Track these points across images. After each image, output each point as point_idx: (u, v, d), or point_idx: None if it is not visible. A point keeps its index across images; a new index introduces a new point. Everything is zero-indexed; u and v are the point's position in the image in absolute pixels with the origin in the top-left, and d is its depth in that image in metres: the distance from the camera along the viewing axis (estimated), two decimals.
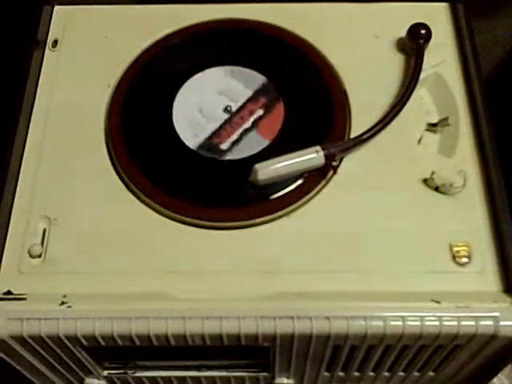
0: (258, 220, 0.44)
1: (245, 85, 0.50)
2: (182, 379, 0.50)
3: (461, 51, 0.52)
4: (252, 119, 0.48)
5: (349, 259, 0.43)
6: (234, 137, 0.48)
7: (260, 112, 0.49)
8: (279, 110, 0.48)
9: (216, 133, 0.48)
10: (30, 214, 0.45)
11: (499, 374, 0.50)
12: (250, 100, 0.49)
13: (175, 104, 0.49)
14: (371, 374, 0.48)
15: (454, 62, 0.51)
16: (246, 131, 0.48)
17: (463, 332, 0.41)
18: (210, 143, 0.48)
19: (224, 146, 0.47)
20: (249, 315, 0.41)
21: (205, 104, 0.50)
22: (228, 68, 0.51)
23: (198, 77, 0.51)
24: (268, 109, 0.49)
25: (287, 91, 0.50)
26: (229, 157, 0.47)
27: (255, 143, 0.47)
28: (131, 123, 0.49)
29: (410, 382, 0.50)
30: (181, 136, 0.48)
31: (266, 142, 0.47)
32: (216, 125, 0.49)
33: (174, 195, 0.45)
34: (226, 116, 0.49)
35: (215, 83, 0.50)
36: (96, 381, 0.49)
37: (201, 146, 0.47)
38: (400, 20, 0.52)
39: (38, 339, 0.41)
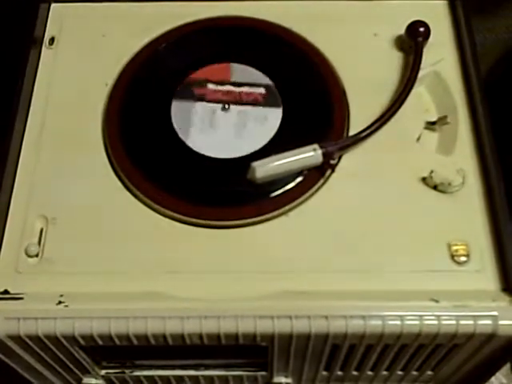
0: (255, 219, 0.44)
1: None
2: (180, 378, 0.50)
3: (460, 49, 0.51)
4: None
5: (347, 258, 0.43)
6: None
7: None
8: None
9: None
10: (27, 213, 0.45)
11: (497, 373, 0.50)
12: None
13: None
14: (369, 373, 0.48)
15: (452, 60, 0.51)
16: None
17: (462, 331, 0.40)
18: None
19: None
20: (247, 314, 0.40)
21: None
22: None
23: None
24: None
25: (285, 89, 0.49)
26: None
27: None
28: (129, 122, 0.49)
29: (409, 381, 0.50)
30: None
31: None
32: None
33: (171, 194, 0.45)
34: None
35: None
36: (94, 380, 0.49)
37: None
38: (399, 18, 0.52)
39: (35, 339, 0.41)
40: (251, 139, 0.47)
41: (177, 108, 0.49)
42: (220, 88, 0.50)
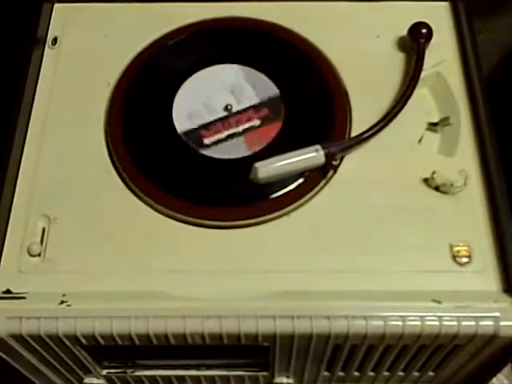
0: (257, 219, 0.44)
1: (256, 91, 0.50)
2: (181, 378, 0.50)
3: (462, 50, 0.51)
4: (245, 126, 0.48)
5: (349, 259, 0.43)
6: (221, 136, 0.48)
7: (257, 122, 0.48)
8: (274, 128, 0.48)
9: (206, 126, 0.48)
10: (29, 213, 0.45)
11: (498, 375, 0.50)
12: (253, 107, 0.49)
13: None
14: (371, 373, 0.48)
15: (454, 61, 0.51)
16: (234, 135, 0.48)
17: (463, 332, 0.40)
18: (196, 133, 0.48)
19: (207, 141, 0.47)
20: (248, 314, 0.40)
21: (207, 98, 0.49)
22: (242, 68, 0.51)
23: (204, 72, 0.51)
24: (265, 122, 0.48)
25: (288, 90, 0.50)
26: (206, 153, 0.47)
27: (237, 149, 0.47)
28: (131, 122, 0.49)
29: (410, 381, 0.50)
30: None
31: (247, 152, 0.47)
32: (210, 118, 0.48)
33: (173, 193, 0.45)
34: (224, 113, 0.49)
35: (224, 80, 0.50)
36: (95, 380, 0.49)
37: (186, 132, 0.48)
38: (401, 19, 0.52)
39: (38, 338, 0.41)
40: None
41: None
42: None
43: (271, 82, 0.50)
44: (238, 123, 0.48)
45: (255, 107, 0.49)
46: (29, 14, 0.53)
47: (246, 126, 0.48)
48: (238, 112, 0.49)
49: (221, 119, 0.49)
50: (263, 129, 0.48)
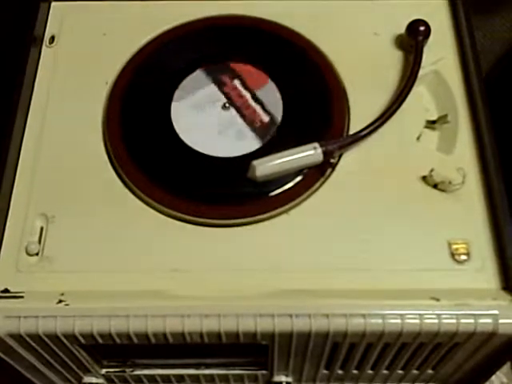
0: (256, 217, 0.44)
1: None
2: (180, 377, 0.50)
3: (460, 48, 0.51)
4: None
5: (347, 257, 0.43)
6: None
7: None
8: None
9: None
10: (27, 212, 0.45)
11: (497, 372, 0.50)
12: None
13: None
14: (370, 372, 0.48)
15: (453, 59, 0.51)
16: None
17: (462, 330, 0.40)
18: None
19: None
20: (247, 313, 0.40)
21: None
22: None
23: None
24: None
25: (286, 88, 0.49)
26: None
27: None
28: (130, 121, 0.49)
29: (409, 379, 0.50)
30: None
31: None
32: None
33: (171, 193, 0.45)
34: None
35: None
36: (94, 379, 0.49)
37: None
38: (399, 17, 0.52)
39: (36, 337, 0.41)
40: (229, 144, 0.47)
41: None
42: (239, 89, 0.49)
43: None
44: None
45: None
46: (26, 13, 0.53)
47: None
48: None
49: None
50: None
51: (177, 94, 0.50)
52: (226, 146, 0.47)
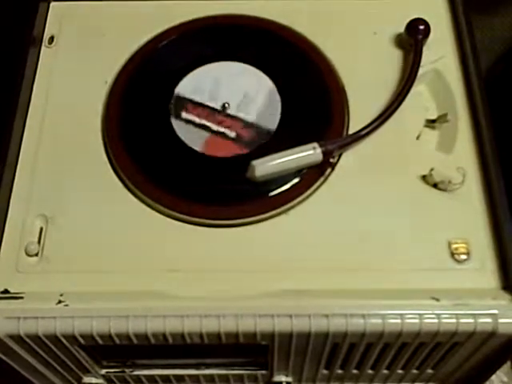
0: (255, 217, 0.44)
1: (261, 111, 0.49)
2: (180, 377, 0.50)
3: (460, 47, 0.51)
4: (221, 129, 0.48)
5: (347, 257, 0.43)
6: (196, 120, 0.48)
7: (232, 134, 0.47)
8: (236, 150, 0.47)
9: (195, 103, 0.48)
10: (26, 213, 0.45)
11: (498, 372, 0.50)
12: (243, 122, 0.48)
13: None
14: (370, 371, 0.48)
15: (452, 57, 0.51)
16: (206, 128, 0.48)
17: (462, 329, 0.40)
18: (183, 102, 0.49)
19: (184, 115, 0.48)
20: (247, 313, 0.40)
21: (218, 85, 0.50)
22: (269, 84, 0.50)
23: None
24: (237, 141, 0.47)
25: (285, 87, 0.49)
26: (197, 148, 0.47)
27: (193, 140, 0.47)
28: (129, 120, 0.49)
29: (409, 379, 0.50)
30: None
31: (198, 148, 0.47)
32: (205, 101, 0.49)
33: (171, 192, 0.45)
34: (218, 107, 0.49)
35: (247, 82, 0.50)
36: (94, 379, 0.49)
37: (179, 97, 0.49)
38: (398, 16, 0.51)
39: (35, 338, 0.41)
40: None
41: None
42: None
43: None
44: (219, 122, 0.48)
45: (245, 124, 0.48)
46: (25, 13, 0.53)
47: (221, 129, 0.48)
48: (229, 115, 0.49)
49: (211, 109, 0.49)
50: (229, 144, 0.47)
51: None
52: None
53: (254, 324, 0.40)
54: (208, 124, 0.48)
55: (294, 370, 0.48)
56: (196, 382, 0.51)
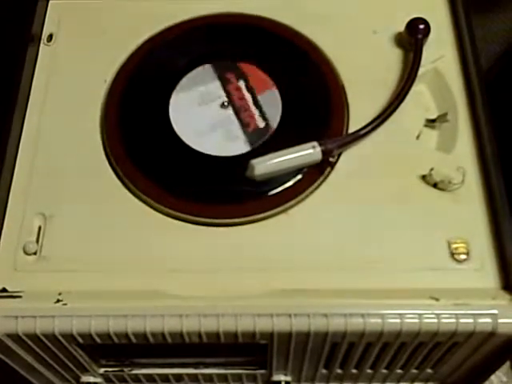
0: (255, 217, 0.44)
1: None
2: (178, 376, 0.50)
3: (460, 46, 0.51)
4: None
5: (346, 256, 0.43)
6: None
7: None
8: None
9: None
10: (25, 211, 0.45)
11: (497, 372, 0.50)
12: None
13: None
14: (369, 371, 0.48)
15: (452, 57, 0.51)
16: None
17: (461, 329, 0.40)
18: None
19: None
20: (246, 313, 0.40)
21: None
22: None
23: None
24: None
25: (285, 86, 0.49)
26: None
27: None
28: (128, 119, 0.49)
29: (408, 379, 0.50)
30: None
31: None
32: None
33: (170, 192, 0.45)
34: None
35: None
36: (92, 378, 0.49)
37: None
38: (398, 15, 0.51)
39: (34, 337, 0.41)
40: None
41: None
42: (242, 91, 0.49)
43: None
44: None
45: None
46: (24, 11, 0.53)
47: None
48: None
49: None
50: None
51: (175, 92, 0.49)
52: (225, 144, 0.47)
53: (253, 323, 0.40)
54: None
55: (293, 370, 0.48)
56: (195, 381, 0.51)
